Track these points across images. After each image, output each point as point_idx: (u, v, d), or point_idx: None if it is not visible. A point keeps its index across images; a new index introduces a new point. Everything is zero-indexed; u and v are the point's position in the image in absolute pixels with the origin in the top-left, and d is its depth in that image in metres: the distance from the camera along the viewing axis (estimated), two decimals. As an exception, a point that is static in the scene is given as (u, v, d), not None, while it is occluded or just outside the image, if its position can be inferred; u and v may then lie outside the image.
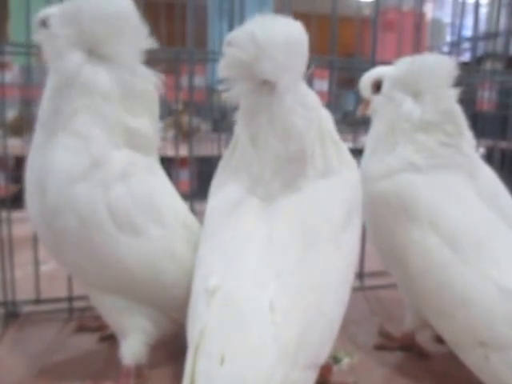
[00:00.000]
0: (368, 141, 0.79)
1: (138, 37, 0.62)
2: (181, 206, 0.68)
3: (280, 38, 0.52)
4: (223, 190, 0.61)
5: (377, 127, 0.77)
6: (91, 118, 0.60)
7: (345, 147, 0.62)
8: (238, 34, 0.53)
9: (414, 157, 0.71)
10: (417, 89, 0.72)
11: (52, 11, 0.63)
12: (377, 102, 0.78)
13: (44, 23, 0.64)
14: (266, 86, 0.54)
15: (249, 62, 0.52)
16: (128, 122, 0.62)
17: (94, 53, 0.61)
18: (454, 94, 0.72)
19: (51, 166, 0.59)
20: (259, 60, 0.51)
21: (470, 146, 0.74)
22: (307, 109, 0.56)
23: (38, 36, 0.62)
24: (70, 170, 0.58)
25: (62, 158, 0.59)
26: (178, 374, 0.48)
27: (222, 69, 0.54)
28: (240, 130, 0.60)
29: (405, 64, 0.74)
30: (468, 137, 0.74)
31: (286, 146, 0.56)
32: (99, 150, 0.60)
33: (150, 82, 0.64)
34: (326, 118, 0.61)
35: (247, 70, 0.53)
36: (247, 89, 0.55)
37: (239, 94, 0.55)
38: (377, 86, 0.79)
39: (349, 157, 0.62)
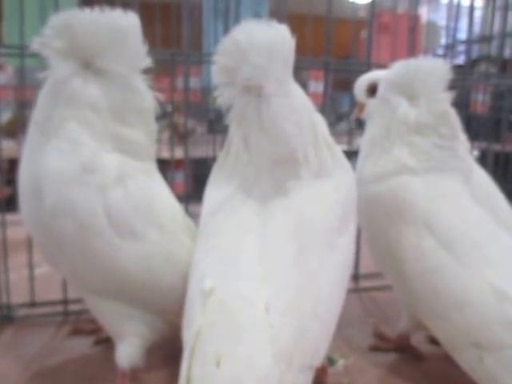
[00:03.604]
0: (363, 143, 0.79)
1: (135, 54, 0.62)
2: (178, 210, 0.68)
3: (260, 43, 0.53)
4: (218, 192, 0.61)
5: (372, 130, 0.78)
6: (80, 126, 0.60)
7: (339, 150, 0.63)
8: (224, 41, 0.55)
9: (409, 159, 0.71)
10: (412, 92, 0.73)
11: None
12: (372, 105, 0.78)
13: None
14: (254, 90, 0.55)
15: (232, 68, 0.54)
16: (119, 132, 0.62)
17: (90, 65, 0.61)
18: (448, 96, 0.73)
19: (47, 168, 0.58)
20: (241, 65, 0.53)
21: (464, 149, 0.74)
22: (296, 112, 0.56)
23: (33, 44, 0.60)
24: (66, 173, 0.58)
25: (57, 160, 0.58)
26: (174, 376, 0.48)
27: (214, 76, 0.56)
28: (233, 131, 0.60)
29: (400, 67, 0.75)
30: (462, 140, 0.74)
31: (276, 148, 0.56)
32: (91, 154, 0.59)
33: (145, 99, 0.64)
34: (319, 121, 0.61)
35: (233, 75, 0.55)
36: (236, 93, 0.56)
37: (230, 98, 0.57)
38: (371, 90, 0.80)
39: (343, 159, 0.63)
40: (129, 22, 0.61)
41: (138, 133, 0.64)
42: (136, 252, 0.61)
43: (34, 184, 0.59)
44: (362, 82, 0.82)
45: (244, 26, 0.55)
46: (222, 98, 0.57)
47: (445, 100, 0.73)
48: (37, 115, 0.62)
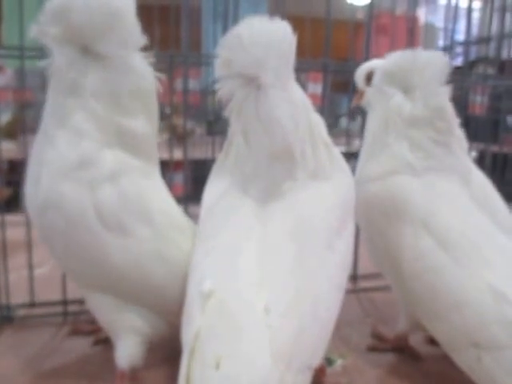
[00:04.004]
0: (365, 138, 0.79)
1: (131, 34, 0.62)
2: (175, 210, 0.68)
3: (259, 35, 0.55)
4: (217, 192, 0.62)
5: (372, 122, 0.78)
6: (85, 116, 0.60)
7: (337, 151, 0.63)
8: (228, 35, 0.56)
9: (409, 156, 0.71)
10: (407, 84, 0.72)
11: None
12: (370, 93, 0.79)
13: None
14: (254, 82, 0.55)
15: (233, 59, 0.55)
16: (122, 122, 0.62)
17: (88, 50, 0.61)
18: (445, 90, 0.72)
19: (45, 159, 0.59)
20: (241, 56, 0.55)
21: (461, 149, 0.74)
22: (292, 106, 0.57)
23: (31, 33, 0.60)
24: (60, 168, 0.58)
25: (55, 152, 0.59)
26: (173, 376, 0.48)
27: (216, 69, 0.57)
28: (233, 127, 0.60)
29: (396, 58, 0.74)
30: (460, 139, 0.74)
31: (271, 141, 0.56)
32: (91, 146, 0.60)
33: (145, 78, 0.64)
34: (317, 121, 0.61)
35: (234, 67, 0.56)
36: (236, 85, 0.57)
37: (230, 90, 0.57)
38: (369, 78, 0.80)
39: (341, 160, 0.63)
40: (122, 1, 0.61)
41: (141, 123, 0.64)
42: (125, 249, 0.61)
43: (36, 174, 0.60)
44: (361, 70, 0.82)
45: (247, 21, 0.56)
46: (222, 90, 0.57)
47: (441, 94, 0.72)
48: (47, 106, 0.62)
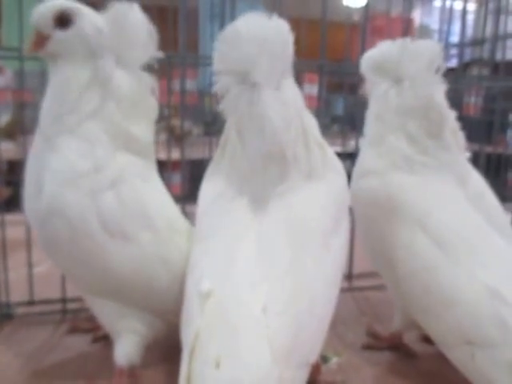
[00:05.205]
0: (365, 127, 0.79)
1: (150, 43, 0.65)
2: (173, 212, 0.68)
3: (254, 32, 0.55)
4: (213, 191, 0.62)
5: (369, 112, 0.78)
6: (100, 124, 0.61)
7: (331, 151, 0.63)
8: (227, 29, 0.57)
9: (407, 150, 0.71)
10: (397, 73, 0.72)
11: (73, 5, 0.62)
12: (368, 84, 0.79)
13: (67, 18, 0.61)
14: (249, 80, 0.55)
15: (227, 54, 0.56)
16: (129, 129, 0.63)
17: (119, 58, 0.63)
18: (436, 80, 0.71)
19: (49, 167, 0.59)
20: (233, 52, 0.55)
21: (458, 146, 0.73)
22: (284, 106, 0.56)
23: (66, 33, 0.61)
24: (71, 174, 0.59)
25: (63, 160, 0.59)
26: (172, 373, 0.49)
27: (214, 63, 0.57)
28: (228, 125, 0.61)
29: (385, 48, 0.75)
30: (456, 132, 0.73)
31: (263, 141, 0.56)
32: (104, 154, 0.61)
33: (151, 88, 0.66)
34: (310, 122, 0.62)
35: (227, 63, 0.56)
36: (231, 81, 0.56)
37: (225, 86, 0.57)
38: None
39: (335, 160, 0.63)
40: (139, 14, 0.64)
41: (143, 129, 0.65)
42: (128, 254, 0.62)
43: (38, 180, 0.60)
44: (367, 59, 0.80)
45: (244, 17, 0.57)
46: (218, 85, 0.57)
47: (432, 83, 0.71)
48: (46, 112, 0.63)
